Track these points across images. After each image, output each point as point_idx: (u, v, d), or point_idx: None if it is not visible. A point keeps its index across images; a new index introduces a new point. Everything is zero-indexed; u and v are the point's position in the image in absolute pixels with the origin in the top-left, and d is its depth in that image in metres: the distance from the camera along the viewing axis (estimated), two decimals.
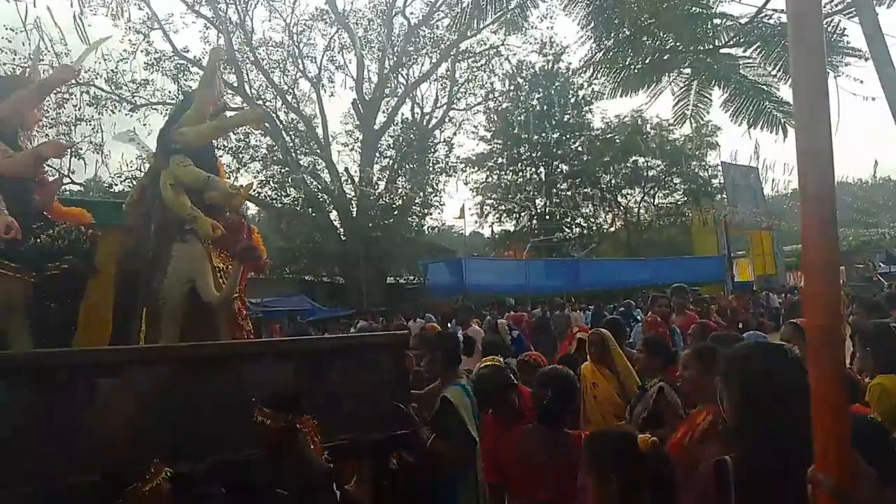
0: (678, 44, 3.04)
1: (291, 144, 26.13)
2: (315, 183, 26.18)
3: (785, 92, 3.08)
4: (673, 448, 2.99)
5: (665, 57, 3.07)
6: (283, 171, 25.96)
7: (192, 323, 3.83)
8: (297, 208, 26.46)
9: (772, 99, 3.14)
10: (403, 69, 27.22)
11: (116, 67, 23.75)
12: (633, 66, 3.16)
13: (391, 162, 27.81)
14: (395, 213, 26.84)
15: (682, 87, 3.24)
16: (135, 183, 13.86)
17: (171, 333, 3.78)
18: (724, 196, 33.23)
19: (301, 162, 26.23)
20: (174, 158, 3.96)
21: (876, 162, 71.78)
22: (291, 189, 26.40)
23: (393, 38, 26.28)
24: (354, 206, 25.88)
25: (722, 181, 33.69)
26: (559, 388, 3.39)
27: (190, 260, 3.89)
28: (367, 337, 4.96)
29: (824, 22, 2.90)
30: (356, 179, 26.23)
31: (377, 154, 27.41)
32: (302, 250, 26.18)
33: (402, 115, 28.40)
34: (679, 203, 36.82)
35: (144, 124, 24.26)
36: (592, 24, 3.25)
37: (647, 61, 3.12)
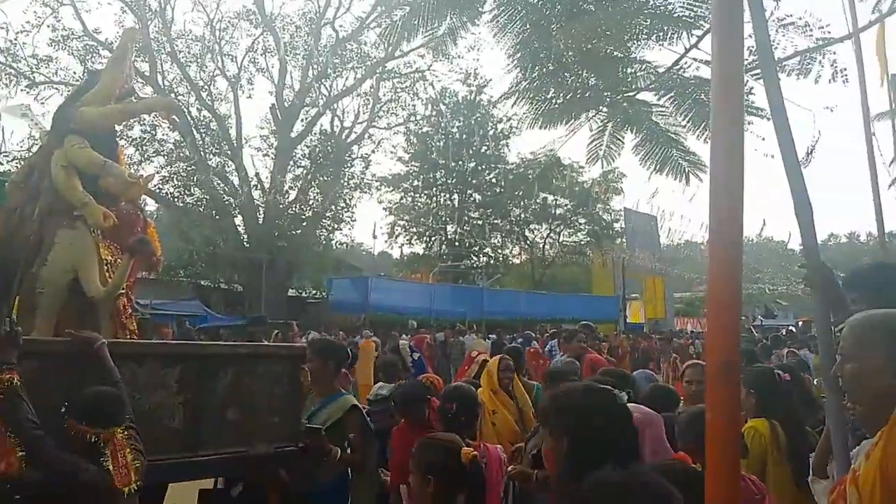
0: (598, 84, 3.17)
1: (201, 142, 25.08)
2: (222, 185, 25.24)
3: (692, 142, 3.28)
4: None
5: (586, 95, 3.19)
6: (189, 168, 24.83)
7: (71, 317, 3.53)
8: (200, 209, 25.31)
9: (679, 148, 3.32)
10: (327, 80, 26.91)
11: (16, 39, 22.13)
12: (554, 100, 3.26)
13: (305, 172, 27.27)
14: (304, 224, 26.26)
15: (597, 127, 3.38)
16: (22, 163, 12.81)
17: (45, 326, 3.47)
18: (624, 240, 34.89)
19: (210, 162, 25.22)
20: (70, 139, 3.68)
21: (764, 221, 77.26)
22: (196, 189, 25.29)
23: (320, 48, 25.97)
24: (262, 212, 25.10)
25: (623, 225, 35.35)
26: (464, 403, 3.62)
27: (75, 248, 3.60)
28: (260, 347, 4.76)
29: None
30: (266, 186, 25.54)
31: (291, 162, 26.81)
32: (201, 253, 24.96)
33: (321, 126, 28.01)
34: (582, 243, 38.30)
35: (42, 103, 22.60)
36: (519, 55, 3.33)
37: (568, 97, 3.23)
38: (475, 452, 2.56)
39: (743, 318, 33.39)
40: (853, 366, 1.90)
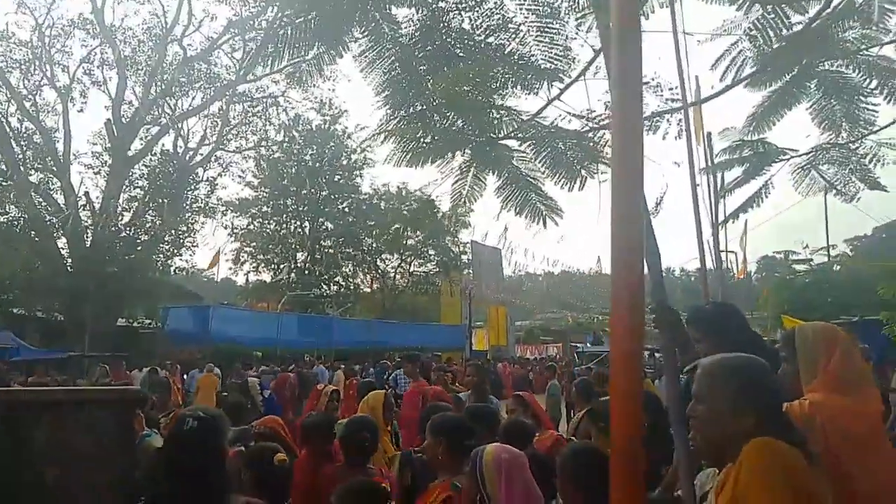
0: (465, 127, 3.23)
1: (21, 157, 22.50)
2: (45, 203, 22.74)
3: (549, 187, 3.46)
4: None
5: (453, 137, 3.25)
6: (3, 184, 22.08)
7: None
8: (16, 229, 22.52)
9: (538, 192, 3.47)
10: (171, 98, 25.35)
11: None
12: (422, 140, 3.28)
13: (142, 193, 25.32)
14: (139, 248, 24.28)
15: (462, 169, 3.44)
16: None
17: None
18: (471, 271, 36.06)
19: (31, 178, 22.64)
20: None
21: (599, 258, 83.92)
22: (12, 206, 22.54)
23: (164, 65, 24.44)
24: (90, 235, 22.83)
25: (470, 257, 36.56)
26: (373, 433, 3.82)
27: None
28: (85, 392, 4.23)
29: (595, 135, 3.31)
30: (97, 207, 23.37)
31: (127, 183, 24.78)
32: (15, 278, 22.04)
33: (163, 145, 26.27)
34: (431, 273, 39.03)
35: None
36: (387, 92, 3.31)
37: (436, 138, 3.27)
38: (284, 457, 2.93)
39: (573, 344, 35.74)
40: (704, 407, 2.02)
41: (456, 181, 3.62)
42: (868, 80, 5.13)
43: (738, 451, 1.90)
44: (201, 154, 26.85)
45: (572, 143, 3.34)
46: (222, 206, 30.51)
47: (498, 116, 3.26)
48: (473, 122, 3.27)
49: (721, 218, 9.63)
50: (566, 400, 11.98)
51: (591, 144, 3.37)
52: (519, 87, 3.09)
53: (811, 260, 21.31)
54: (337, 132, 34.85)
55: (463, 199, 3.66)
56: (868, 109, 5.20)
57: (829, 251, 22.32)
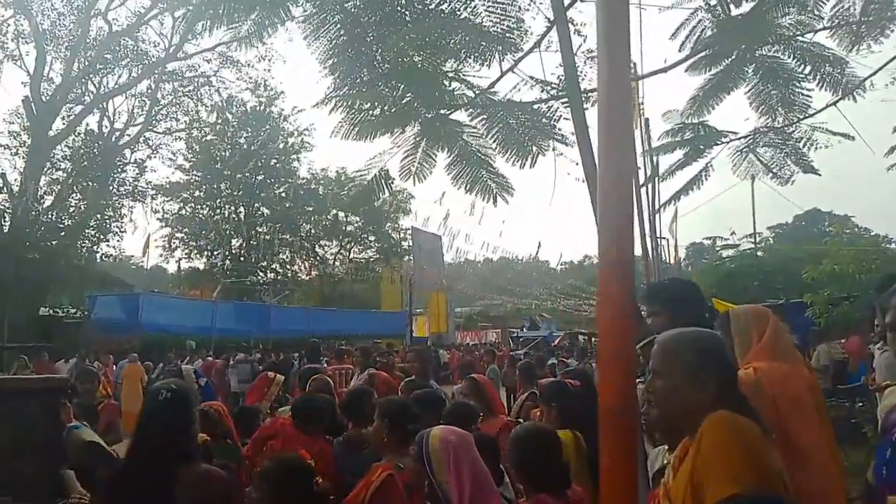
0: (415, 99, 3.12)
1: None
2: None
3: (500, 164, 3.39)
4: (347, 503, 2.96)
5: (402, 109, 3.13)
6: None
7: None
8: None
9: (489, 170, 3.40)
10: (96, 76, 24.06)
11: None
12: (370, 112, 3.15)
13: (65, 176, 24.00)
14: (62, 234, 23.05)
15: (411, 144, 3.34)
16: None
17: None
18: (412, 258, 36.01)
19: None
20: None
21: (539, 244, 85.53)
22: None
23: (88, 40, 23.14)
24: (7, 219, 21.50)
25: (411, 244, 36.47)
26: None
27: None
28: (5, 381, 3.94)
29: (545, 106, 3.25)
30: (14, 189, 22.01)
31: (48, 165, 23.42)
32: None
33: (87, 125, 24.94)
34: (371, 259, 38.76)
35: None
36: (333, 61, 3.16)
37: (385, 110, 3.15)
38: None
39: (511, 329, 36.29)
40: (663, 382, 1.98)
41: (405, 157, 3.51)
42: (803, 66, 5.30)
43: (696, 425, 1.89)
44: (128, 135, 25.68)
45: (525, 119, 3.29)
46: (152, 189, 29.30)
47: (450, 88, 3.16)
48: (424, 94, 3.16)
49: (658, 203, 9.87)
50: (504, 384, 12.28)
51: (544, 120, 3.33)
52: (472, 57, 3.00)
53: (738, 245, 22.22)
54: (273, 115, 33.98)
55: (412, 176, 3.56)
56: (803, 94, 5.39)
57: (755, 237, 23.33)
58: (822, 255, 14.64)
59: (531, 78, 3.09)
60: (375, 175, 3.38)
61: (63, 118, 23.58)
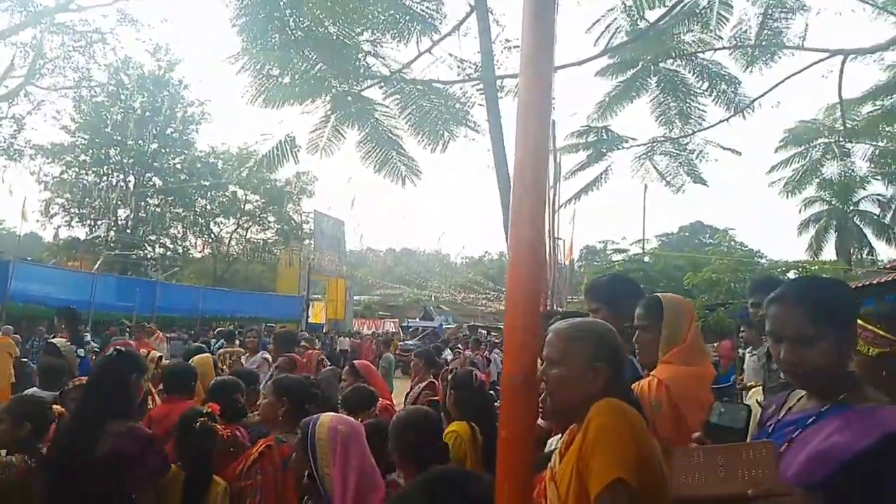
0: (328, 71, 3.00)
1: None
2: None
3: (410, 146, 3.31)
4: (228, 473, 3.02)
5: (311, 81, 3.00)
6: None
7: None
8: None
9: (399, 151, 3.33)
10: None
11: None
12: (279, 78, 3.00)
13: None
14: None
15: (320, 118, 3.21)
16: None
17: None
18: (312, 241, 35.29)
19: None
20: None
21: (442, 234, 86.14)
22: None
23: None
24: None
25: (312, 227, 35.74)
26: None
27: None
28: None
29: (460, 90, 3.22)
30: None
31: None
32: None
33: None
34: (270, 241, 37.63)
35: None
36: (244, 19, 2.97)
37: (296, 79, 3.00)
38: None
39: (408, 318, 36.45)
40: (559, 370, 2.02)
41: (314, 130, 3.39)
42: (701, 82, 5.63)
43: (585, 412, 1.94)
44: (6, 86, 23.46)
45: (439, 103, 3.26)
46: (31, 149, 26.96)
47: (365, 63, 3.07)
48: (337, 65, 3.05)
49: (557, 204, 10.15)
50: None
51: (458, 105, 3.31)
52: (390, 33, 2.93)
53: (627, 250, 23.37)
54: (172, 81, 32.20)
55: (320, 150, 3.44)
56: (699, 108, 5.73)
57: (644, 243, 24.61)
58: (701, 263, 15.64)
59: (450, 55, 3.07)
60: (281, 140, 3.24)
61: None
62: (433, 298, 42.52)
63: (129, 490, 2.84)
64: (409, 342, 18.23)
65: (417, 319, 37.36)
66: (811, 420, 1.59)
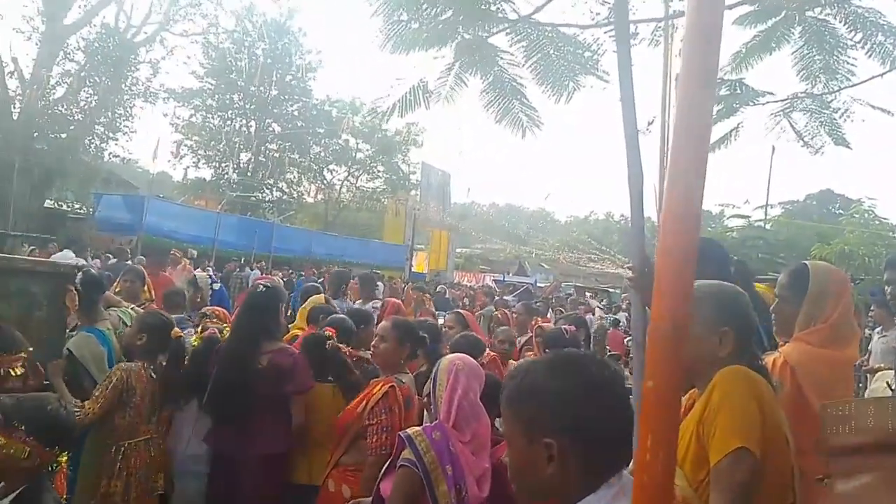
0: (456, 16, 2.99)
1: None
2: None
3: (532, 95, 3.25)
4: (348, 413, 3.23)
5: (439, 26, 3.00)
6: None
7: None
8: None
9: (522, 101, 3.28)
10: None
11: None
12: (408, 25, 3.03)
13: (78, 68, 23.52)
14: (72, 128, 22.79)
15: (445, 67, 3.21)
16: None
17: None
18: (419, 192, 35.81)
19: None
20: None
21: (549, 193, 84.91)
22: None
23: None
24: (17, 106, 21.20)
25: (420, 178, 36.21)
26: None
27: None
28: (14, 261, 3.94)
29: (591, 37, 3.11)
30: (26, 76, 21.61)
31: (62, 55, 22.91)
32: None
33: (104, 18, 24.26)
34: (378, 190, 38.55)
35: None
36: None
37: (424, 24, 3.02)
38: None
39: (499, 275, 36.27)
40: None
41: (438, 77, 3.40)
42: (854, 33, 5.08)
43: (708, 377, 1.88)
44: (145, 33, 25.00)
45: (567, 51, 3.16)
46: (164, 92, 28.80)
47: (493, 9, 3.02)
48: (465, 10, 3.02)
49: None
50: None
51: (587, 53, 3.19)
52: None
53: (749, 216, 22.00)
54: (293, 29, 33.15)
55: (442, 98, 3.46)
56: (848, 62, 5.18)
57: (766, 210, 23.10)
58: (829, 235, 14.52)
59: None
60: (414, 85, 3.28)
61: (80, 7, 22.94)
62: (534, 255, 42.25)
63: (289, 394, 3.54)
64: (507, 297, 18.18)
65: (511, 274, 37.13)
66: None
